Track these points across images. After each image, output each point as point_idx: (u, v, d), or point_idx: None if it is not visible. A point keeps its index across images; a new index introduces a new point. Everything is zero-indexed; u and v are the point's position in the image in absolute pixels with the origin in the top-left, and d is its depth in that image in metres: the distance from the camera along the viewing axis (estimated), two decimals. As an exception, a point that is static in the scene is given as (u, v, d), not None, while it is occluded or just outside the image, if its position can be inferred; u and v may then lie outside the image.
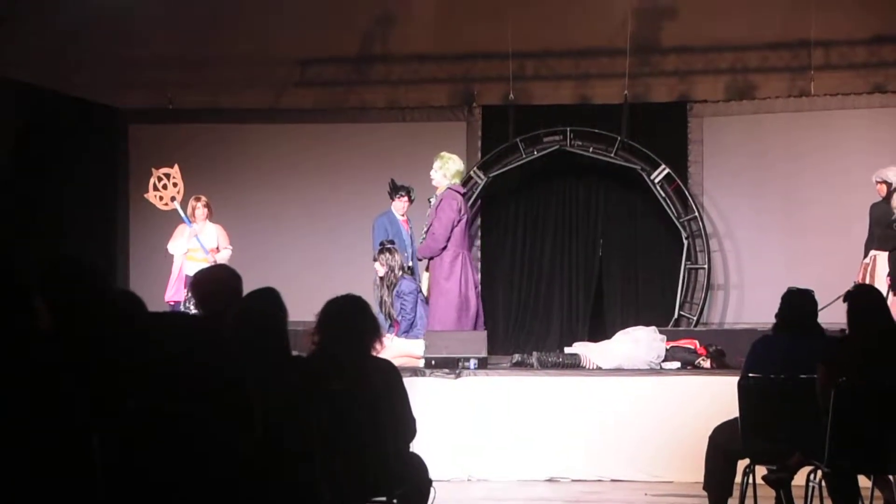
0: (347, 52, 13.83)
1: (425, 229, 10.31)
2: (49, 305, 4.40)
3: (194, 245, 11.21)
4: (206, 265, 10.90)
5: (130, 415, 4.00)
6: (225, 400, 4.16)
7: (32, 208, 12.09)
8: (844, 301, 6.46)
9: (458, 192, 10.35)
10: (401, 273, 10.30)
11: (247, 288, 5.36)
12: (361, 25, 13.78)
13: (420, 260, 10.58)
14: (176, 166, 11.36)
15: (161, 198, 11.33)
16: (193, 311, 10.19)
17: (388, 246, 10.37)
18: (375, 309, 9.95)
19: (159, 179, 11.33)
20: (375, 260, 10.44)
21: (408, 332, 10.12)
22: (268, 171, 13.72)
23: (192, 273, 11.00)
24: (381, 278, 10.35)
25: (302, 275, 12.65)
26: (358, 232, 11.89)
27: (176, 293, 11.13)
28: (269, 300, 5.08)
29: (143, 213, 11.40)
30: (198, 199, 11.33)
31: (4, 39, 11.96)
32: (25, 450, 3.75)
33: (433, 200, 10.30)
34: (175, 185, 11.30)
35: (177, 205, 11.26)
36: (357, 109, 13.94)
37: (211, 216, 11.39)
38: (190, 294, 10.61)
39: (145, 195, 11.44)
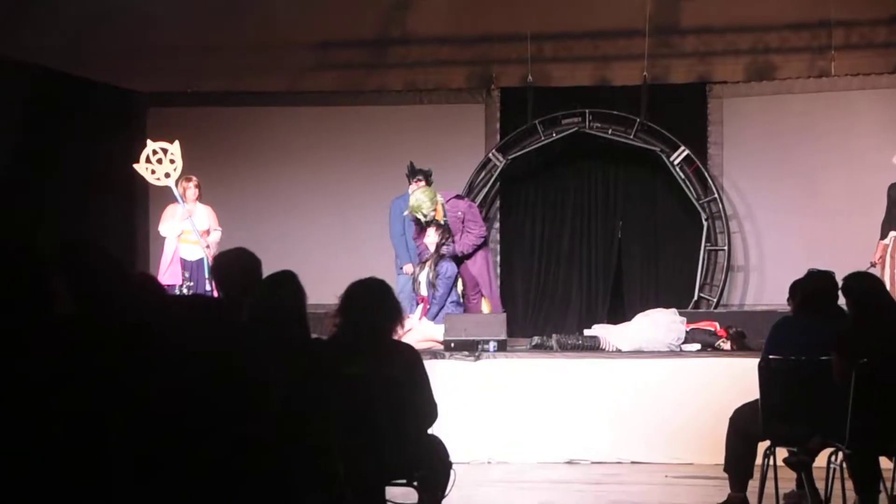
0: (366, 34, 13.82)
1: (454, 238, 10.50)
2: (70, 288, 4.41)
3: (188, 227, 10.97)
4: (197, 247, 10.91)
5: (149, 398, 4.01)
6: (244, 383, 4.17)
7: (53, 191, 12.11)
8: (843, 293, 6.47)
9: (451, 196, 10.78)
10: (444, 251, 10.35)
11: (266, 271, 5.37)
12: (380, 8, 13.76)
13: (462, 255, 10.62)
14: (176, 143, 11.06)
15: (153, 171, 10.97)
16: (187, 293, 10.37)
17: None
18: (399, 290, 10.07)
19: (154, 153, 10.98)
20: (429, 224, 10.41)
21: (436, 316, 10.13)
22: (287, 154, 13.73)
23: (186, 256, 10.97)
24: (427, 248, 10.39)
25: (321, 257, 12.66)
26: (377, 214, 11.89)
27: (171, 276, 10.83)
28: (288, 283, 5.08)
29: (163, 197, 11.36)
30: (189, 180, 11.05)
31: (26, 24, 11.98)
32: (43, 433, 3.76)
33: (439, 213, 10.39)
34: (172, 161, 10.95)
35: (171, 182, 10.96)
36: (375, 92, 13.93)
37: (201, 197, 11.15)
38: (208, 277, 10.68)
39: (135, 165, 11.12)
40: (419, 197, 10.35)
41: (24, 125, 11.89)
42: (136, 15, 13.00)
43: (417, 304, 10.38)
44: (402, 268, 11.18)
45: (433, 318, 10.11)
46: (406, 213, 10.55)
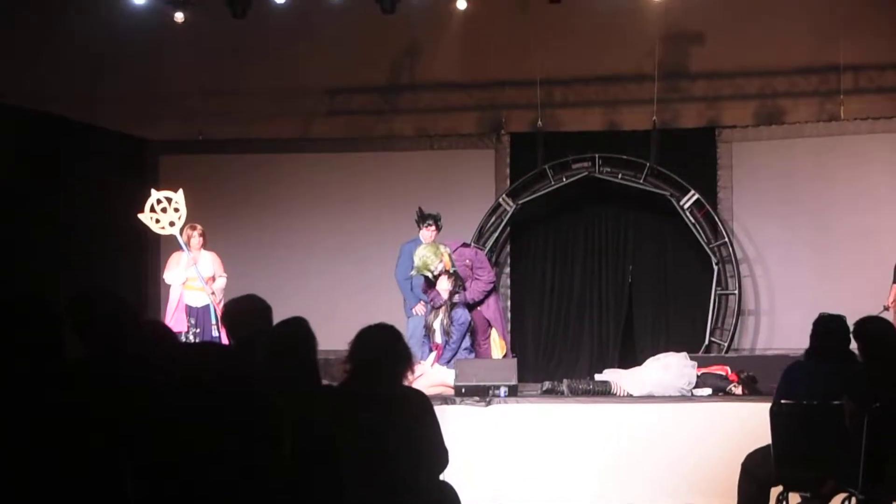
0: (376, 81, 13.90)
1: (465, 286, 10.54)
2: (79, 334, 4.43)
3: (193, 274, 10.96)
4: (203, 294, 10.93)
5: (160, 443, 4.01)
6: (255, 429, 4.16)
7: (63, 239, 12.15)
8: (854, 337, 6.46)
9: (458, 245, 10.83)
10: (456, 299, 10.38)
11: (277, 317, 5.37)
12: (390, 55, 13.84)
13: (473, 301, 10.66)
14: (180, 191, 11.05)
15: (157, 220, 10.97)
16: (193, 340, 10.39)
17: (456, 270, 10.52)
18: (409, 335, 10.08)
19: (158, 202, 10.98)
20: (438, 276, 10.42)
21: (449, 361, 10.12)
22: (297, 201, 13.78)
23: (192, 302, 11.01)
24: (440, 295, 10.41)
25: (331, 303, 12.67)
26: (388, 260, 11.89)
27: (177, 324, 10.76)
28: (299, 329, 5.09)
29: (173, 245, 11.37)
30: (193, 228, 11.02)
31: (37, 72, 12.07)
32: (57, 477, 3.77)
33: (447, 263, 10.40)
34: (176, 210, 10.96)
35: (176, 231, 10.97)
36: (386, 138, 13.99)
37: (205, 244, 11.14)
38: (216, 324, 10.70)
39: (139, 215, 11.08)
40: (423, 254, 10.36)
41: (34, 173, 11.94)
42: (147, 63, 13.12)
43: (430, 350, 10.37)
44: (412, 309, 11.17)
45: (445, 364, 10.10)
46: (413, 272, 10.57)
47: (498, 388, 9.28)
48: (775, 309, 13.23)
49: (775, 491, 6.63)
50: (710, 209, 13.03)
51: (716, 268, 12.97)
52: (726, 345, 12.84)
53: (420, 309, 11.03)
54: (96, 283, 11.80)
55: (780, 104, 13.42)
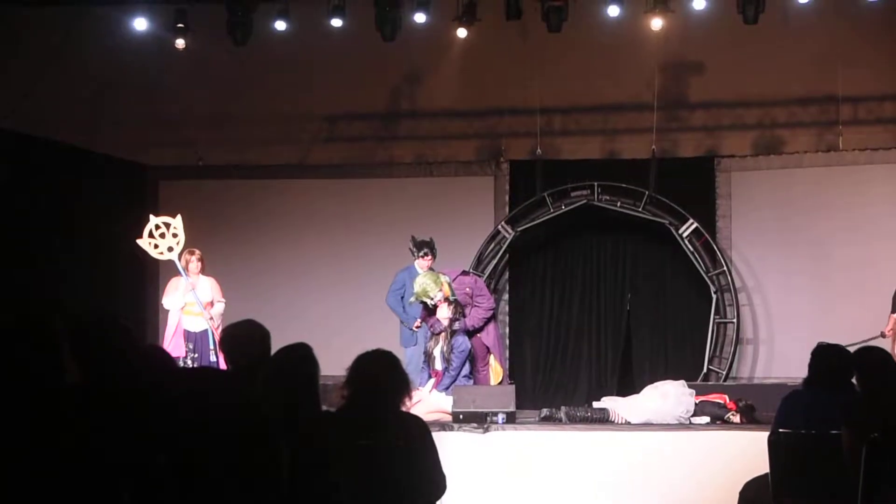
0: (375, 107, 13.92)
1: (465, 313, 10.62)
2: (78, 359, 4.43)
3: (191, 299, 10.99)
4: (201, 319, 10.95)
5: (159, 469, 4.00)
6: (254, 455, 4.16)
7: (62, 264, 12.15)
8: (852, 367, 6.46)
9: (457, 273, 10.94)
10: (456, 326, 10.41)
11: (275, 342, 5.37)
12: (389, 82, 13.87)
13: (472, 329, 10.69)
14: (178, 216, 11.10)
15: (156, 245, 11.01)
16: (191, 365, 10.41)
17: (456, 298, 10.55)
18: (407, 362, 10.08)
19: (157, 227, 11.03)
20: (438, 305, 10.44)
21: (448, 388, 10.12)
22: (296, 227, 13.78)
23: (190, 327, 11.02)
24: (440, 322, 10.43)
25: (329, 329, 12.64)
26: (385, 286, 11.88)
27: (175, 349, 10.75)
28: (302, 355, 5.09)
29: (172, 270, 11.38)
30: (192, 253, 11.06)
31: (38, 97, 12.10)
32: (54, 500, 3.77)
33: (447, 292, 10.42)
34: (175, 235, 11.00)
35: (174, 256, 11.01)
36: (385, 165, 14.01)
37: (204, 269, 11.17)
38: (214, 349, 10.70)
39: (137, 240, 11.12)
40: (423, 282, 10.39)
41: (34, 198, 11.95)
42: (145, 89, 13.15)
43: (430, 377, 10.38)
44: (413, 327, 11.14)
45: (444, 391, 10.10)
46: (412, 300, 10.59)
47: (496, 414, 9.30)
48: (774, 337, 13.22)
49: (773, 520, 6.61)
50: (709, 238, 13.03)
51: (714, 296, 12.96)
52: (724, 373, 12.82)
53: (419, 322, 11.03)
54: (96, 307, 11.78)
55: (779, 134, 13.44)
